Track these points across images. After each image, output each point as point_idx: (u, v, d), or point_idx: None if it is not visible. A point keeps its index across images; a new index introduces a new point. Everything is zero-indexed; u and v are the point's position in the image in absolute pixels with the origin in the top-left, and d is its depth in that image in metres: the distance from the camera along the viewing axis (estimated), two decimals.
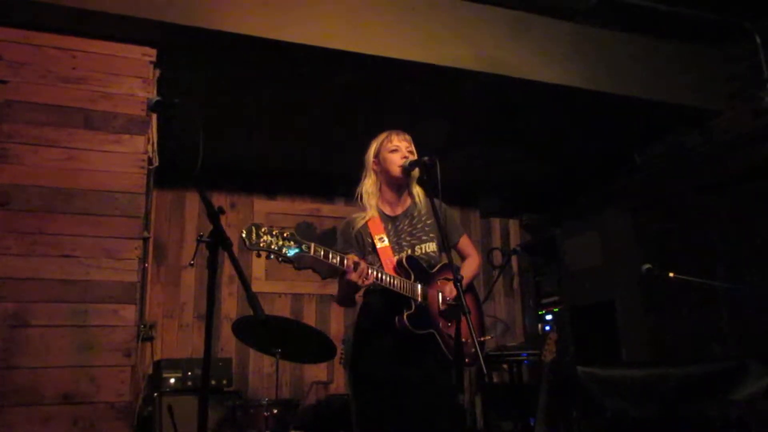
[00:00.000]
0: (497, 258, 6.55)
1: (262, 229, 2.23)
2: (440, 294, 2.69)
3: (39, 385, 2.93)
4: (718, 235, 4.73)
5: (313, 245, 2.36)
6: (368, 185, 2.82)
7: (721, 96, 4.70)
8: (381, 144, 2.83)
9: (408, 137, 2.86)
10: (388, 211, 2.84)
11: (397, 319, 2.58)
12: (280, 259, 2.27)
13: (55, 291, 3.05)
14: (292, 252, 2.28)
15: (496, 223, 6.74)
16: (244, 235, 2.19)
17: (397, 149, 2.78)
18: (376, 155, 2.84)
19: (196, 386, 4.41)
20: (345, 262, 2.43)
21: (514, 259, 6.48)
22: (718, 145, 4.73)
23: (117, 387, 3.05)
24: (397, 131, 2.86)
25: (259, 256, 2.26)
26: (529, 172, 6.00)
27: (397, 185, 2.84)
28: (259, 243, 2.21)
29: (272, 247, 2.24)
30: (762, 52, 4.37)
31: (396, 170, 2.76)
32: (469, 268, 2.94)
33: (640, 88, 4.45)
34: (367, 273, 2.45)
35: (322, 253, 2.39)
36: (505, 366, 5.63)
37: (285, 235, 2.28)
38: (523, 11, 4.21)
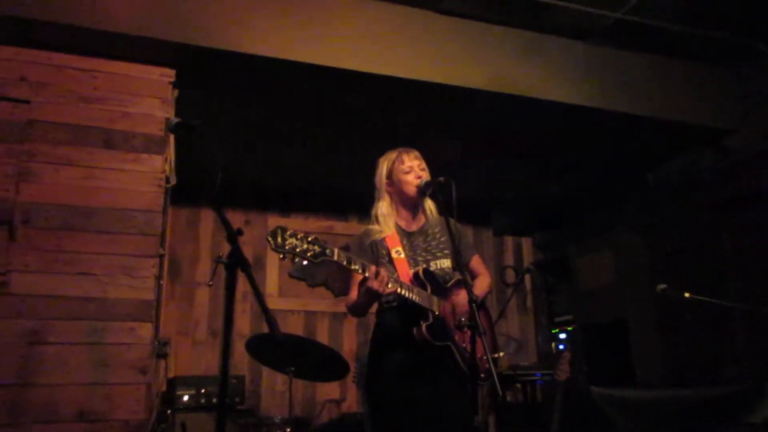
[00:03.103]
0: (510, 276, 6.53)
1: (288, 232, 2.24)
2: (456, 308, 2.69)
3: (55, 402, 2.95)
4: (731, 254, 4.70)
5: (336, 250, 2.37)
6: (384, 207, 2.82)
7: (735, 115, 4.70)
8: (393, 164, 2.83)
9: (418, 154, 2.85)
10: (404, 226, 2.85)
11: (415, 330, 2.57)
12: (305, 262, 2.29)
13: (73, 308, 3.08)
14: (317, 256, 2.29)
15: (509, 241, 6.73)
16: (270, 238, 2.20)
17: (410, 170, 2.79)
18: (389, 176, 2.83)
19: (209, 404, 4.42)
20: (367, 269, 2.45)
21: (527, 278, 6.47)
22: (731, 164, 4.72)
23: (132, 405, 3.07)
24: (407, 150, 2.85)
25: (283, 258, 2.28)
26: (542, 190, 6.00)
27: (412, 204, 2.85)
28: (285, 245, 2.22)
29: (297, 250, 2.24)
30: None
31: (412, 191, 2.77)
32: (481, 286, 2.95)
33: (653, 108, 4.45)
34: (388, 281, 2.45)
35: (345, 259, 2.40)
36: (518, 385, 5.60)
37: (310, 239, 2.29)
38: (535, 31, 4.24)
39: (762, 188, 4.46)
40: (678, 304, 4.74)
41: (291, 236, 2.24)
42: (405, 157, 2.81)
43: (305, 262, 2.29)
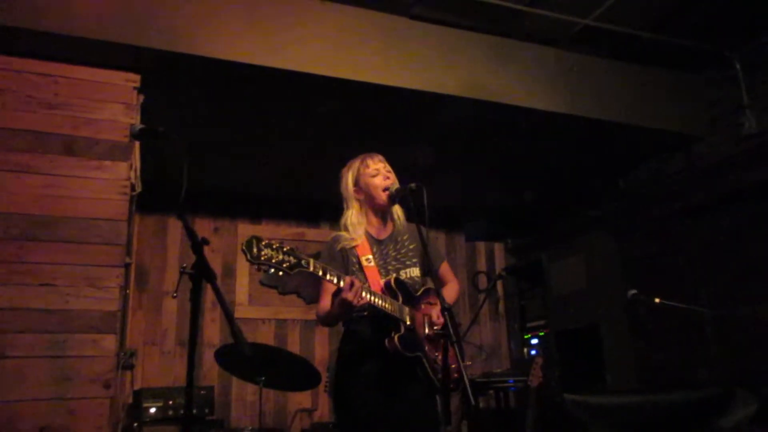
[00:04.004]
0: (482, 282, 6.54)
1: (263, 243, 2.19)
2: (426, 318, 2.67)
3: (15, 418, 2.85)
4: (701, 259, 4.75)
5: (312, 261, 2.33)
6: (353, 216, 2.77)
7: (703, 121, 4.76)
8: (358, 171, 2.79)
9: (382, 158, 2.82)
10: (374, 234, 2.81)
11: (387, 341, 2.53)
12: (280, 272, 2.24)
13: (34, 321, 2.98)
14: (293, 267, 2.25)
15: (481, 246, 6.73)
16: (244, 248, 2.15)
17: (377, 173, 2.76)
18: (356, 183, 2.79)
19: (177, 416, 4.32)
20: (342, 280, 2.41)
21: (499, 283, 6.47)
22: (700, 169, 4.78)
23: (95, 420, 2.97)
24: (370, 154, 2.82)
25: (258, 270, 2.23)
26: (514, 196, 6.01)
27: (382, 211, 2.81)
28: (260, 257, 2.17)
29: (273, 261, 2.20)
30: (742, 79, 4.44)
31: (381, 194, 2.73)
32: (450, 294, 2.93)
33: (623, 114, 4.49)
34: (362, 293, 2.42)
35: (321, 270, 2.36)
36: (491, 392, 5.59)
37: (285, 249, 2.25)
38: (507, 38, 4.24)
39: (730, 193, 4.51)
40: (650, 310, 4.77)
41: (266, 247, 2.20)
42: (369, 162, 2.78)
43: (280, 273, 2.24)
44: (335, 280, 2.40)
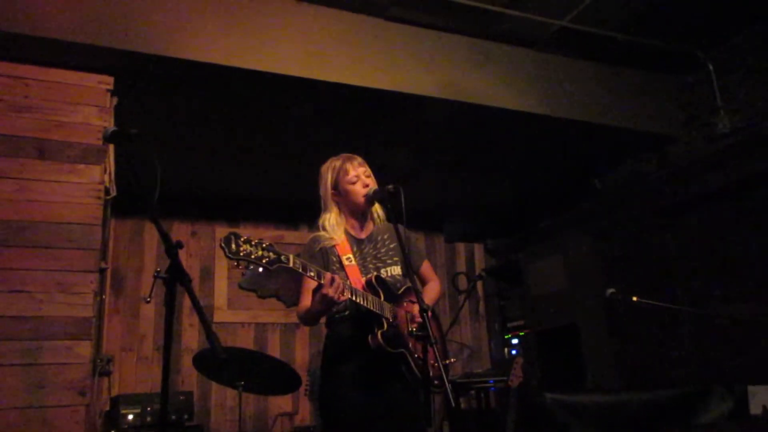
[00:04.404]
0: (462, 282, 6.55)
1: (242, 239, 2.17)
2: (408, 315, 2.67)
3: None
4: (675, 258, 4.81)
5: (292, 257, 2.32)
6: (332, 218, 2.76)
7: (677, 122, 4.82)
8: (338, 175, 2.77)
9: (362, 161, 2.81)
10: (353, 234, 2.81)
11: (370, 337, 2.53)
12: (260, 269, 2.22)
13: (5, 328, 2.91)
14: (272, 263, 2.23)
15: (460, 247, 6.75)
16: (223, 245, 2.12)
17: (356, 179, 2.74)
18: (335, 187, 2.78)
19: (155, 422, 4.26)
20: (323, 276, 2.40)
21: (479, 284, 6.49)
22: (674, 170, 4.83)
23: (71, 428, 2.91)
24: (350, 157, 2.80)
25: (237, 266, 2.21)
26: (493, 197, 6.04)
27: (361, 212, 2.81)
28: (239, 252, 2.15)
29: (252, 256, 2.18)
30: (715, 80, 4.50)
31: (360, 200, 2.73)
32: (431, 293, 2.93)
33: (598, 115, 4.52)
34: (343, 289, 2.41)
35: (301, 266, 2.34)
36: (472, 392, 5.60)
37: (264, 245, 2.23)
38: (484, 39, 4.26)
39: (704, 193, 4.57)
40: (628, 309, 4.82)
41: (245, 242, 2.18)
42: (350, 167, 2.76)
43: (260, 269, 2.21)
44: (315, 276, 2.39)
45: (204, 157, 4.82)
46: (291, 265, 2.30)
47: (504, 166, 5.31)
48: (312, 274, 2.38)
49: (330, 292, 2.37)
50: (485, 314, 6.55)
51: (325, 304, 2.46)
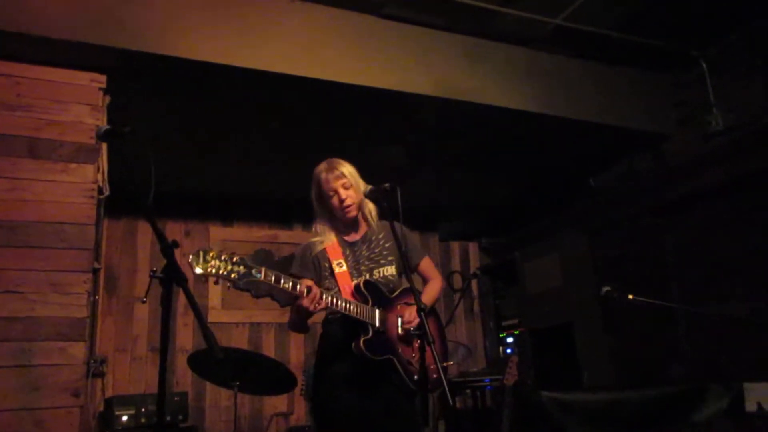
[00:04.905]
0: (457, 281, 6.54)
1: (210, 254, 2.18)
2: (399, 319, 2.65)
3: None
4: (671, 256, 4.81)
5: (264, 270, 2.31)
6: (322, 224, 2.77)
7: (672, 120, 4.83)
8: (319, 186, 2.73)
9: (341, 172, 2.69)
10: (346, 236, 2.80)
11: (353, 344, 2.53)
12: (229, 285, 2.23)
13: None
14: (242, 277, 2.23)
15: (455, 246, 6.73)
16: (191, 260, 2.13)
17: (333, 193, 2.68)
18: (318, 199, 2.75)
19: (150, 423, 4.24)
20: (297, 287, 2.39)
21: (474, 283, 6.48)
22: (669, 168, 4.84)
23: (65, 429, 2.89)
24: (330, 167, 2.70)
25: (205, 281, 2.21)
26: (488, 195, 6.03)
27: (350, 218, 2.77)
28: (207, 268, 2.16)
29: (221, 272, 2.18)
30: (708, 78, 4.51)
31: (340, 213, 2.71)
32: (431, 291, 2.91)
33: (594, 113, 4.52)
34: (320, 298, 2.40)
35: (273, 278, 2.34)
36: (468, 392, 5.59)
37: (234, 260, 2.23)
38: (479, 37, 4.25)
39: (699, 191, 4.58)
40: (622, 307, 4.82)
41: (214, 257, 2.19)
42: (328, 178, 2.69)
43: (228, 285, 2.22)
44: (290, 287, 2.38)
45: (197, 156, 4.79)
46: (263, 278, 2.31)
47: (499, 164, 5.30)
48: (286, 285, 2.38)
49: (305, 302, 2.39)
50: (480, 313, 6.55)
51: (300, 314, 2.50)
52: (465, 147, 4.91)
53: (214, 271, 2.16)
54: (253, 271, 2.27)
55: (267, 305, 5.61)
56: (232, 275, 2.21)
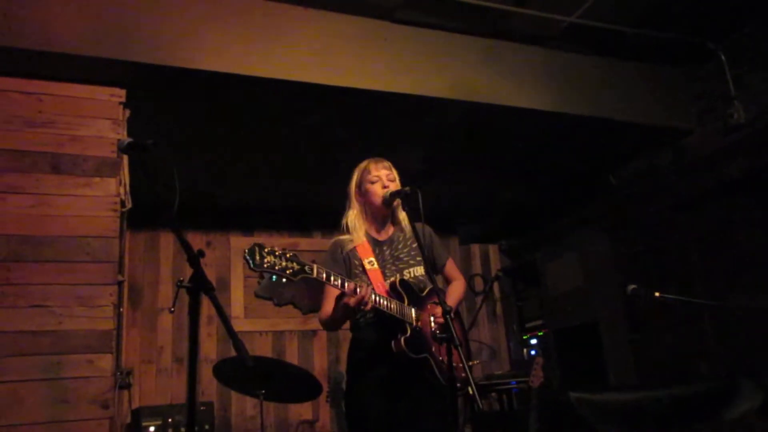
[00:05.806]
0: (479, 284, 6.51)
1: (266, 249, 2.19)
2: (432, 318, 2.66)
3: None
4: (694, 252, 4.75)
5: (315, 266, 2.33)
6: (352, 217, 2.79)
7: (691, 115, 4.77)
8: (362, 174, 2.81)
9: (387, 164, 2.83)
10: (374, 235, 2.81)
11: (393, 343, 2.52)
12: (284, 279, 2.23)
13: (26, 343, 2.91)
14: (296, 274, 2.24)
15: (475, 249, 6.71)
16: (247, 256, 2.14)
17: (377, 179, 2.76)
18: (359, 186, 2.81)
19: None
20: (346, 285, 2.40)
21: (495, 285, 6.45)
22: (690, 163, 4.78)
23: None
24: (376, 159, 2.84)
25: (262, 277, 2.21)
26: (507, 196, 6.00)
27: (382, 214, 2.82)
28: (263, 264, 2.16)
29: (276, 268, 2.19)
30: (728, 70, 4.45)
31: (377, 201, 2.74)
32: (456, 293, 2.93)
33: (611, 110, 4.48)
34: (368, 298, 2.40)
35: (325, 275, 2.35)
36: (494, 394, 5.55)
37: (288, 255, 2.24)
38: (494, 38, 4.23)
39: (721, 185, 4.52)
40: (647, 305, 4.76)
41: (269, 254, 2.19)
42: (372, 167, 2.79)
43: (284, 280, 2.22)
44: (339, 284, 2.40)
45: (217, 167, 4.82)
46: (315, 275, 2.31)
47: (517, 165, 5.28)
48: (336, 283, 2.39)
49: (352, 301, 2.39)
50: (503, 315, 6.51)
51: (346, 312, 2.50)
52: (483, 148, 4.89)
53: (269, 266, 2.17)
54: (306, 268, 2.28)
55: (289, 313, 5.62)
56: (287, 271, 2.22)
